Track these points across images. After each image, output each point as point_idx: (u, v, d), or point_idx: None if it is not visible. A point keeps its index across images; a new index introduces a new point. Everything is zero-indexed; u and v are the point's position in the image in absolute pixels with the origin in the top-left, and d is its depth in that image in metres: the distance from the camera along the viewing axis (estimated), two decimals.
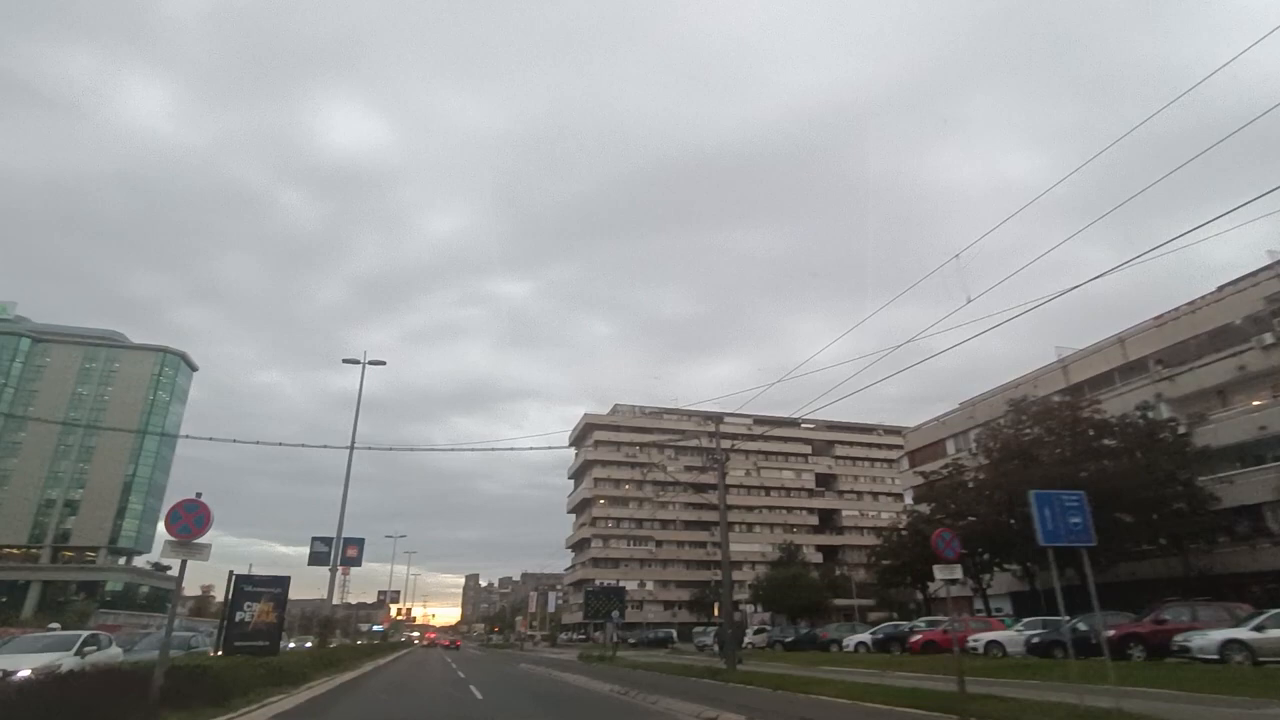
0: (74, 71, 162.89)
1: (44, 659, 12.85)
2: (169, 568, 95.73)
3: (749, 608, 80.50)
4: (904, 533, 43.91)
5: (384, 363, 30.18)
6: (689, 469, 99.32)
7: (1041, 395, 38.70)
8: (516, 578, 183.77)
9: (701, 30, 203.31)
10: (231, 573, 16.16)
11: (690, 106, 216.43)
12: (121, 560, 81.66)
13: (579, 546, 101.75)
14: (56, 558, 78.64)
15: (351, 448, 26.83)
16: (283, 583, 16.71)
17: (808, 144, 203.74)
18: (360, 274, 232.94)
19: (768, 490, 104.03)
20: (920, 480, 45.75)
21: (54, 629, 20.68)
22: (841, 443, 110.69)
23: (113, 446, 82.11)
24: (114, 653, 14.56)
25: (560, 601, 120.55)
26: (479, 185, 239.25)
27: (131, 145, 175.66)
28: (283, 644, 37.14)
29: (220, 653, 15.33)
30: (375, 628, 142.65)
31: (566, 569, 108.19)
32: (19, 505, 77.62)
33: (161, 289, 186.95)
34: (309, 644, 31.22)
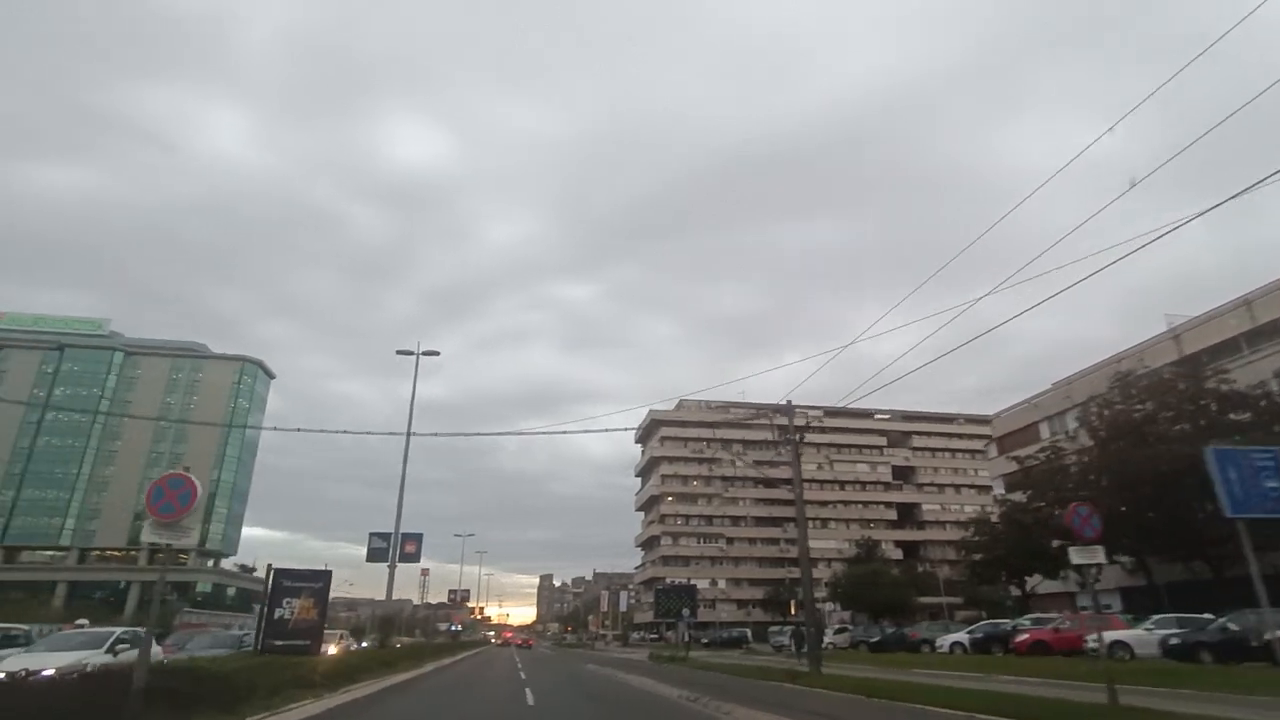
0: (163, 106, 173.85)
1: (71, 657, 12.08)
2: (254, 569, 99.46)
3: (826, 606, 77.07)
4: (997, 524, 40.42)
5: (437, 353, 29.51)
6: (758, 464, 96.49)
7: (1151, 368, 34.71)
8: (589, 577, 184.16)
9: (753, 21, 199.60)
10: (270, 566, 15.26)
11: (745, 100, 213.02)
12: (210, 563, 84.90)
13: (648, 545, 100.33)
14: (152, 560, 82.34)
15: (409, 434, 26.11)
16: (324, 577, 15.68)
17: (867, 131, 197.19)
18: (429, 284, 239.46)
19: (842, 484, 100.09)
20: (1014, 467, 42.04)
21: (82, 624, 20.43)
22: (919, 433, 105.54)
23: (199, 454, 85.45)
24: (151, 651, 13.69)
25: (632, 601, 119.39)
26: (540, 191, 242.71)
27: (215, 172, 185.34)
28: (356, 643, 37.23)
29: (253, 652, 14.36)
30: (454, 627, 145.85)
31: (636, 568, 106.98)
32: (118, 510, 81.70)
33: (245, 305, 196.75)
34: (365, 644, 30.53)
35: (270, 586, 14.91)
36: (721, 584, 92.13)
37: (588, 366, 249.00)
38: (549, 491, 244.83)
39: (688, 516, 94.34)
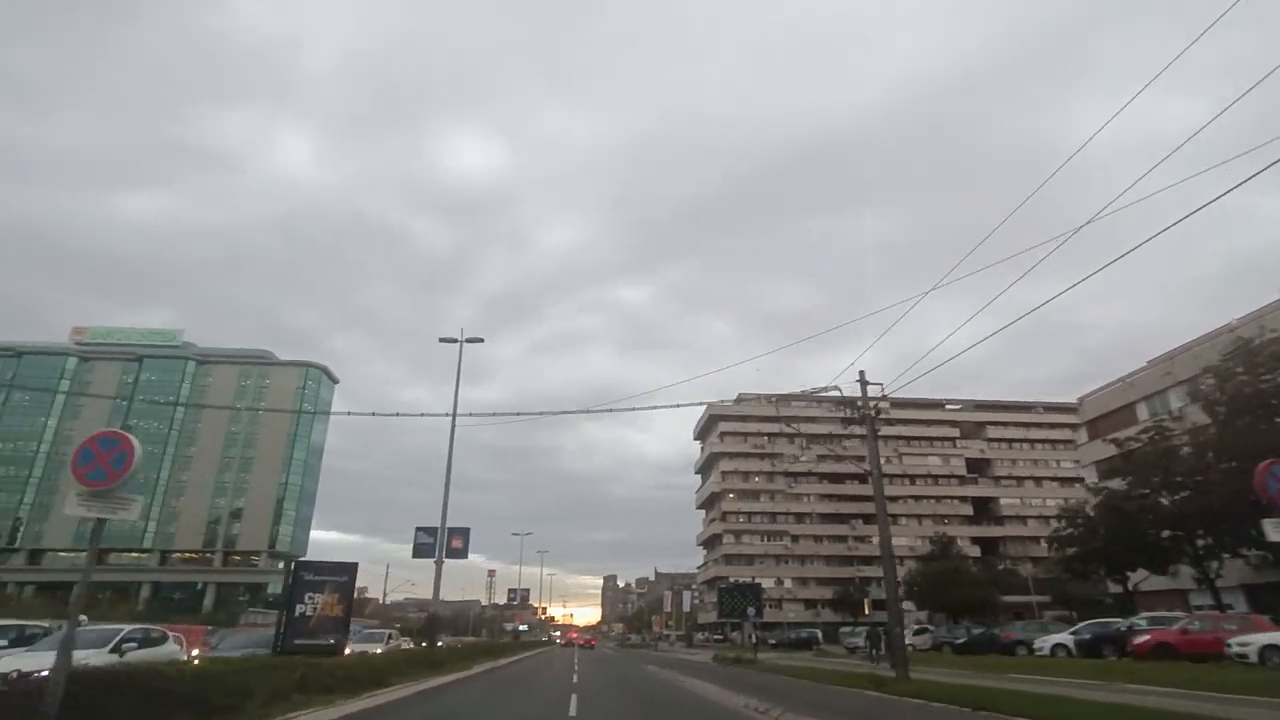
0: (233, 131, 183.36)
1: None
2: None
3: (903, 605, 73.27)
4: (1092, 514, 36.71)
5: (481, 340, 28.28)
6: (822, 458, 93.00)
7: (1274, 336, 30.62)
8: (652, 578, 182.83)
9: (803, 12, 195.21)
10: (290, 560, 14.03)
11: (797, 92, 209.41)
12: (280, 564, 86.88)
13: (710, 543, 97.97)
14: (227, 562, 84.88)
15: (453, 415, 24.93)
16: (349, 570, 14.36)
17: (923, 117, 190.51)
18: (488, 290, 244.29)
19: (912, 479, 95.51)
20: (1110, 451, 38.16)
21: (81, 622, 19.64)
22: (994, 423, 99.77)
23: (268, 457, 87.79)
24: (167, 650, 12.56)
25: (695, 601, 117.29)
26: (594, 195, 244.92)
27: (284, 192, 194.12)
28: (410, 643, 36.49)
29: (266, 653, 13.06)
30: (520, 627, 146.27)
31: (699, 567, 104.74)
32: (194, 514, 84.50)
33: (317, 319, 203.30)
34: (406, 643, 29.37)
35: (290, 581, 13.59)
36: (787, 583, 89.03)
37: (645, 367, 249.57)
38: (609, 493, 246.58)
39: (750, 514, 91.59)
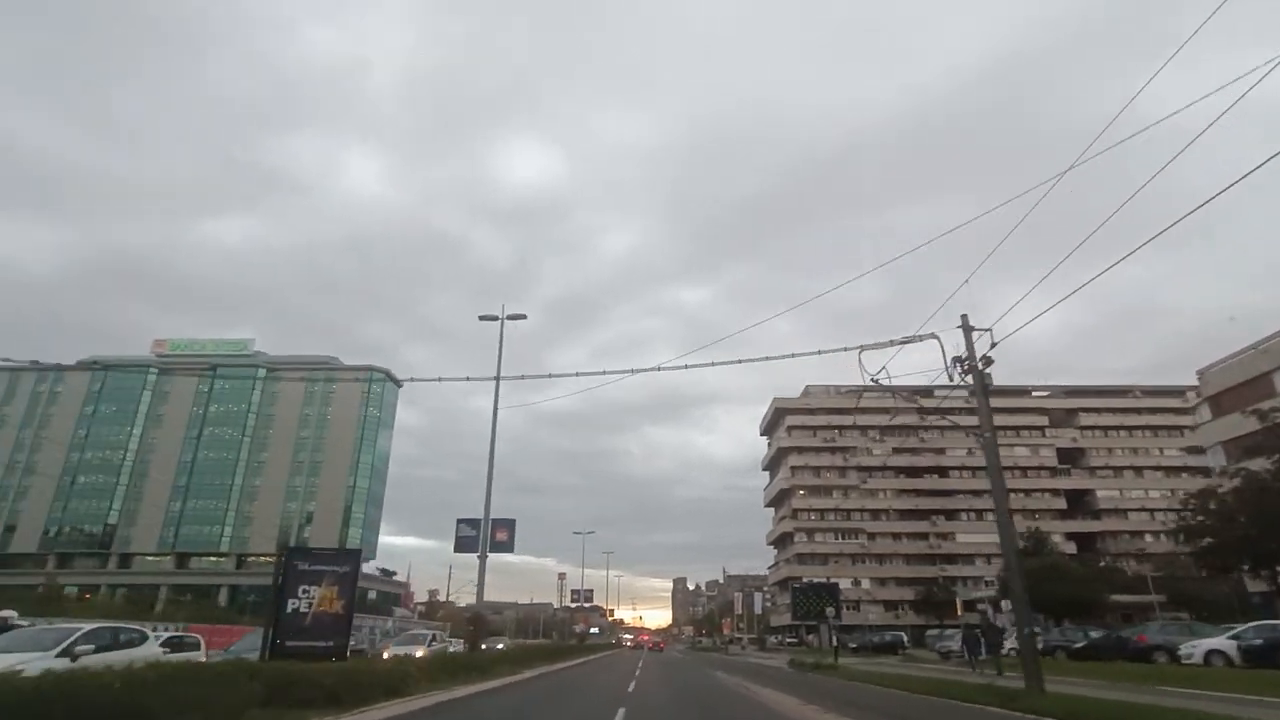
0: (306, 156, 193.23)
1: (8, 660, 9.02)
2: (394, 573, 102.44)
3: (986, 608, 67.79)
4: (1229, 499, 31.79)
5: (524, 316, 26.37)
6: (898, 451, 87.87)
7: None
8: (722, 580, 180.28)
9: None
10: (281, 549, 11.97)
11: (855, 81, 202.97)
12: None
13: (781, 543, 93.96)
14: None
15: (498, 382, 22.85)
16: (350, 559, 12.28)
17: (991, 98, 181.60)
18: (549, 297, 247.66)
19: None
20: (1247, 426, 33.03)
21: (7, 616, 17.71)
22: (1087, 410, 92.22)
23: (336, 461, 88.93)
24: (143, 653, 10.53)
25: (767, 603, 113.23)
26: (651, 198, 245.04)
27: (353, 210, 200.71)
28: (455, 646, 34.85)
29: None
30: (591, 630, 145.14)
31: (769, 567, 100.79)
32: (267, 518, 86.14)
33: (385, 330, 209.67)
34: (456, 646, 27.34)
35: (282, 572, 11.48)
36: (865, 583, 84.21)
37: (708, 369, 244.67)
38: (676, 495, 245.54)
39: (822, 511, 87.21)
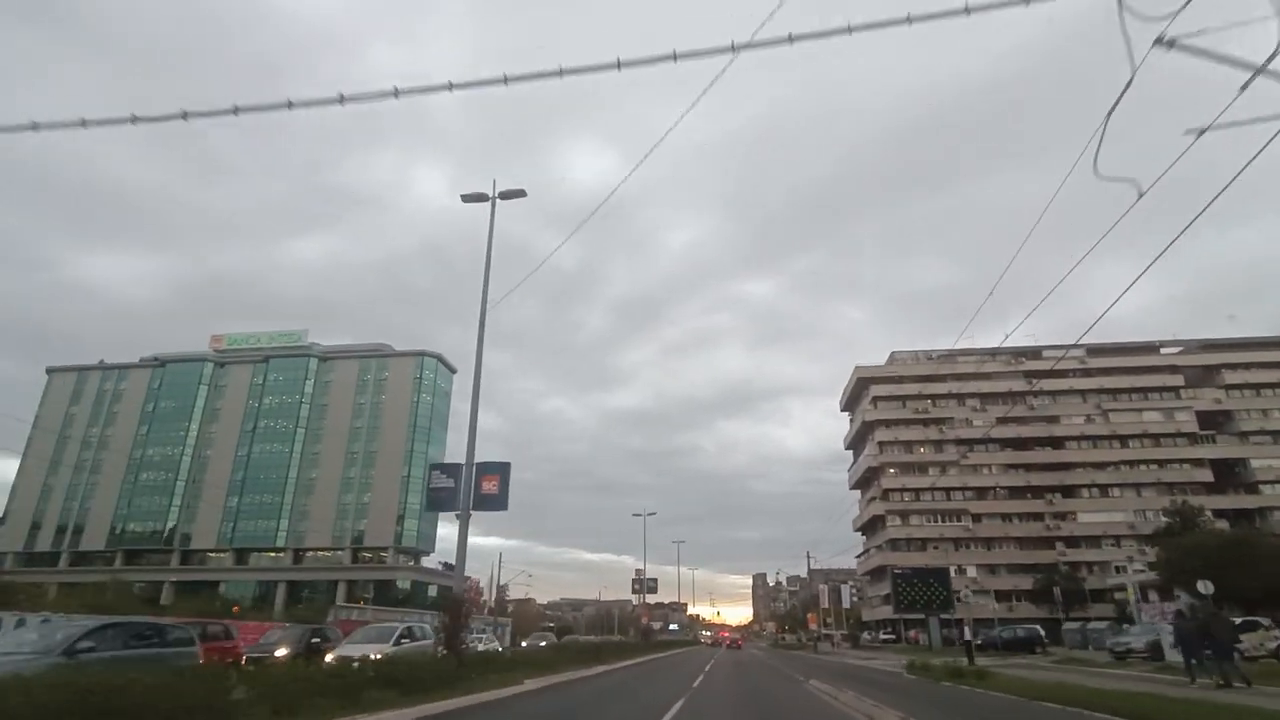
0: (378, 174, 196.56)
1: None
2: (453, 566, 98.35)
3: (1132, 596, 57.06)
4: None
5: (523, 193, 19.55)
6: (1002, 421, 76.95)
7: None
8: (804, 574, 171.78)
9: None
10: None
11: (915, 52, 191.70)
12: (408, 561, 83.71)
13: (870, 528, 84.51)
14: (356, 559, 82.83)
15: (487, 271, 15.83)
16: None
17: (1069, 57, 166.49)
18: (616, 297, 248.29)
19: (1124, 440, 77.01)
20: None
21: None
22: (1231, 366, 78.77)
23: (389, 452, 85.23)
24: None
25: (854, 596, 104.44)
26: (712, 191, 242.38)
27: (425, 222, 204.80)
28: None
29: None
30: (671, 626, 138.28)
31: (858, 556, 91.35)
32: (323, 511, 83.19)
33: (461, 336, 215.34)
34: (423, 641, 20.46)
35: None
36: (971, 571, 73.95)
37: (778, 361, 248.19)
38: (754, 490, 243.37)
39: (917, 490, 77.35)
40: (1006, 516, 75.99)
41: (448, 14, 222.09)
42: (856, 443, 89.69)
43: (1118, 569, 71.65)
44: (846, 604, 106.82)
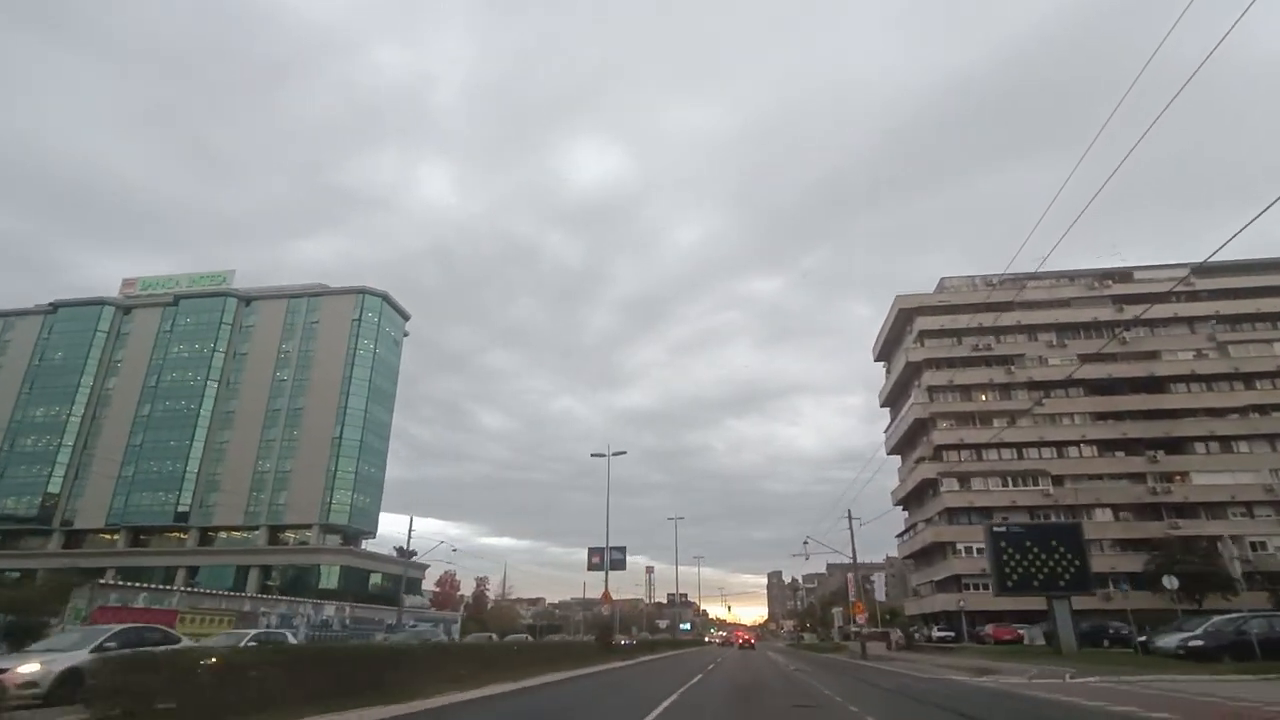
0: (383, 174, 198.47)
1: None
2: (414, 553, 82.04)
3: None
4: None
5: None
6: (1086, 359, 59.85)
7: None
8: (823, 569, 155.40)
9: None
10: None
11: (922, 45, 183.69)
12: (338, 540, 67.48)
13: (915, 499, 67.37)
14: (275, 540, 66.87)
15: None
16: None
17: (1077, 47, 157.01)
18: (623, 296, 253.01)
19: (1248, 380, 59.51)
20: None
21: None
22: None
23: (321, 407, 69.35)
24: None
25: (889, 588, 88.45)
26: (718, 189, 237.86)
27: (431, 222, 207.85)
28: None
29: None
30: (683, 625, 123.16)
31: (900, 536, 74.10)
32: (237, 481, 67.34)
33: (469, 337, 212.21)
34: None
35: None
36: None
37: (787, 359, 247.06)
38: (765, 490, 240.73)
39: (978, 448, 60.28)
40: (1097, 477, 58.77)
41: (450, 12, 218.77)
42: (897, 396, 72.62)
43: (1255, 545, 54.44)
44: (880, 596, 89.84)
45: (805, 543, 44.32)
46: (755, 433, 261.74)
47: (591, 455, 34.23)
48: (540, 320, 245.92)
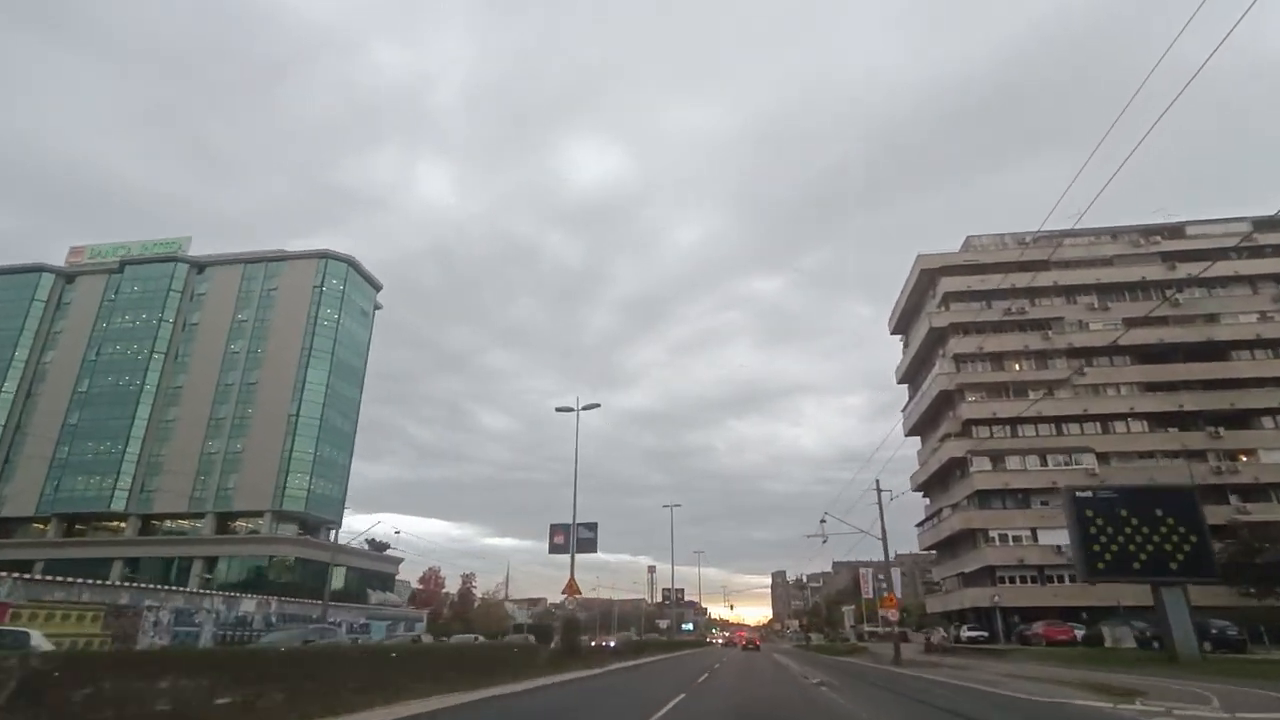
0: (382, 174, 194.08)
1: None
2: (388, 546, 75.17)
3: None
4: None
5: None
6: (1134, 323, 52.75)
7: None
8: (829, 568, 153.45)
9: None
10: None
11: (923, 44, 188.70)
12: (299, 532, 60.54)
13: (939, 483, 60.19)
14: (224, 528, 59.96)
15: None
16: None
17: (1078, 46, 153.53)
18: (623, 296, 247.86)
19: None
20: None
21: None
22: None
23: (275, 382, 62.50)
24: None
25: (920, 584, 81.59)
26: (718, 188, 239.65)
27: (430, 222, 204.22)
28: None
29: None
30: (686, 626, 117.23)
31: (920, 525, 66.85)
32: (184, 463, 60.45)
33: (471, 338, 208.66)
34: None
35: None
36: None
37: (789, 359, 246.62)
38: (767, 490, 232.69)
39: (1012, 423, 53.10)
40: (1148, 455, 51.55)
41: (450, 12, 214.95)
42: (917, 369, 65.48)
43: None
44: (898, 593, 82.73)
45: (823, 520, 37.22)
46: (756, 433, 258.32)
47: (557, 410, 27.29)
48: (540, 320, 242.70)
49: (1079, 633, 36.45)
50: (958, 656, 32.39)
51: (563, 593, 25.54)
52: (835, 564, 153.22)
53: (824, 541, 36.54)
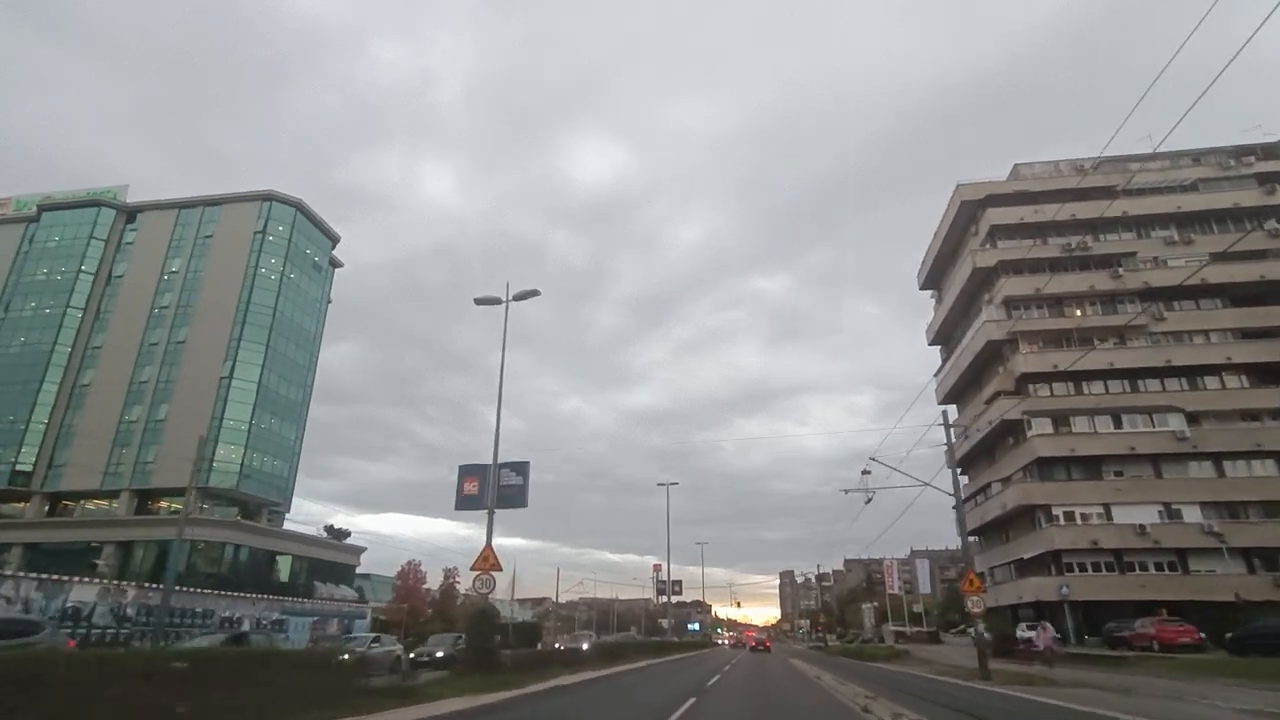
0: (385, 172, 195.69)
1: None
2: (349, 534, 66.51)
3: None
4: None
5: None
6: (1222, 258, 43.25)
7: None
8: (841, 566, 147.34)
9: None
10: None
11: (925, 41, 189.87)
12: (230, 510, 51.73)
13: (984, 453, 50.76)
14: (143, 508, 51.27)
15: None
16: None
17: (1088, 36, 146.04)
18: (627, 295, 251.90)
19: None
20: None
21: None
22: None
23: (207, 340, 53.85)
24: None
25: (902, 582, 73.78)
26: (721, 186, 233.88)
27: (434, 220, 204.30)
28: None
29: None
30: (692, 626, 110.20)
31: (956, 508, 57.18)
32: (100, 433, 51.81)
33: (477, 336, 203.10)
34: None
35: None
36: (1191, 514, 40.04)
37: (794, 358, 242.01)
38: (775, 490, 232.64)
39: (1076, 378, 43.69)
40: (1251, 415, 42.09)
41: (451, 10, 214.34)
42: (953, 326, 56.17)
43: None
44: (925, 588, 73.64)
45: (865, 471, 28.05)
46: (764, 432, 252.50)
47: (476, 301, 18.79)
48: (546, 320, 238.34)
49: (1202, 636, 27.15)
50: (1070, 666, 23.13)
51: (473, 568, 16.65)
52: (847, 561, 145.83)
53: (868, 500, 27.44)
